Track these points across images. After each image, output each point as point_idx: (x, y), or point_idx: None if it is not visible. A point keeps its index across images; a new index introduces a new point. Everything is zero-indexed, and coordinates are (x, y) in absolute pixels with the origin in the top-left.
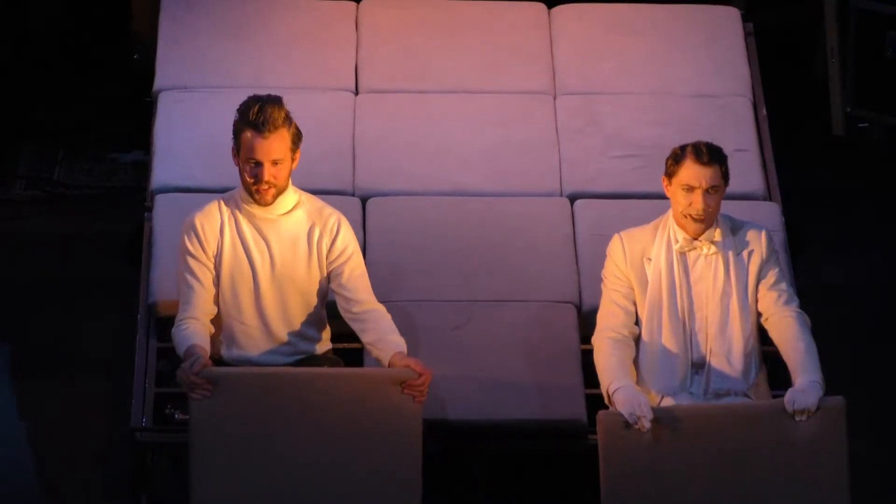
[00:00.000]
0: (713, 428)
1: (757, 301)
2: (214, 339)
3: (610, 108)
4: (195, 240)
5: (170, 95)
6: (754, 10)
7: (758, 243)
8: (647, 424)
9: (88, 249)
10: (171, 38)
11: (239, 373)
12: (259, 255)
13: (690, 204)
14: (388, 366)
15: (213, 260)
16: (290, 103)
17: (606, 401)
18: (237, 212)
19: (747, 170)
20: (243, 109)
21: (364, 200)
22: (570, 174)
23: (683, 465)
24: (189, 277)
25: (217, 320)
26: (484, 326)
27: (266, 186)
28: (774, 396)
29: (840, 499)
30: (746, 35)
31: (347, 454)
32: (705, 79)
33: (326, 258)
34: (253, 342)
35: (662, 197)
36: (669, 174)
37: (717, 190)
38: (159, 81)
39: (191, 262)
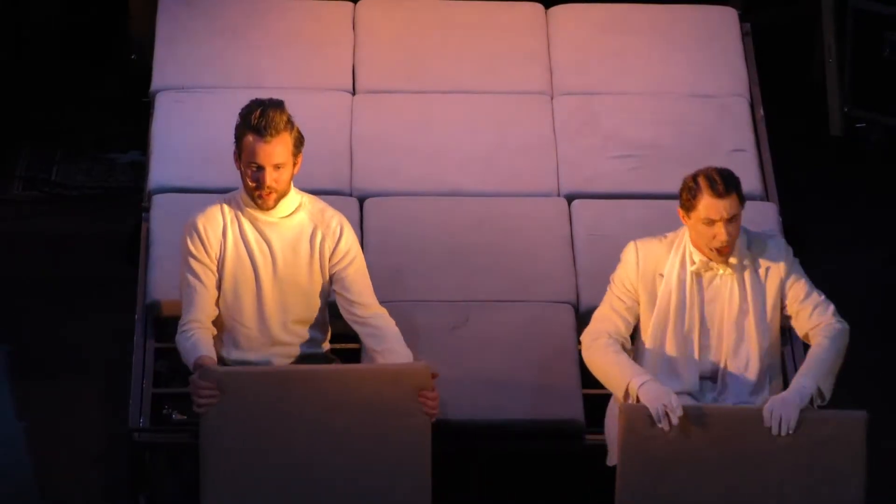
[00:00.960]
0: (734, 429)
1: (788, 317)
2: (215, 341)
3: (607, 109)
4: (197, 241)
5: (167, 96)
6: (752, 10)
7: (776, 258)
8: (675, 420)
9: (86, 250)
10: (168, 39)
11: (247, 372)
12: (261, 258)
13: (714, 237)
14: None
15: (215, 262)
16: (288, 103)
17: (621, 398)
18: (239, 214)
19: (745, 170)
20: (245, 113)
21: (361, 201)
22: (567, 174)
23: (702, 464)
24: (191, 279)
25: (218, 322)
26: (481, 327)
27: (268, 191)
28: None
29: None
30: (744, 35)
31: (357, 452)
32: (703, 79)
33: (329, 261)
34: (254, 344)
35: (660, 197)
36: (686, 208)
37: (737, 217)
38: (157, 82)
39: (193, 263)
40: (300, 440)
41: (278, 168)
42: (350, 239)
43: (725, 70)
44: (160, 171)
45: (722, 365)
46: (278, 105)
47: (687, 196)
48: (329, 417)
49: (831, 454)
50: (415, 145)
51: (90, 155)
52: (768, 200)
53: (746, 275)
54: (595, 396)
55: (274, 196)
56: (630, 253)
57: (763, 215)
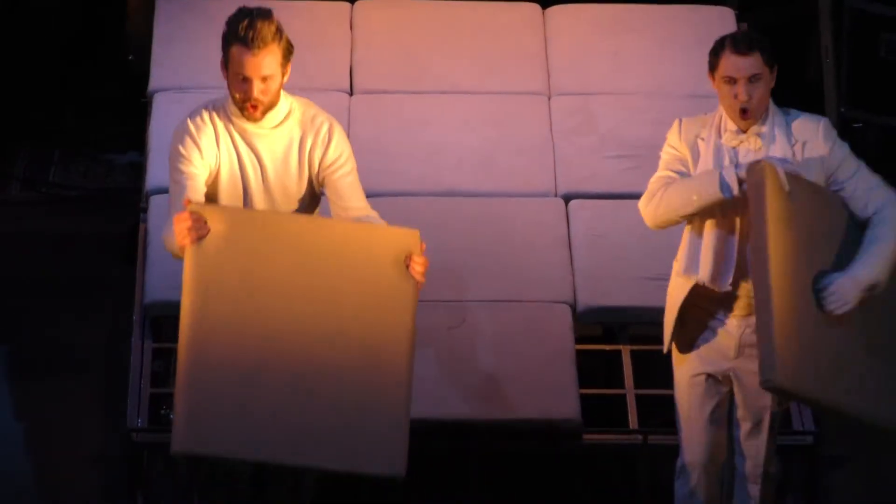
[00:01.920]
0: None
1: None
2: None
3: (604, 109)
4: (191, 146)
5: (165, 96)
6: (748, 9)
7: (815, 135)
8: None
9: (84, 250)
10: (166, 39)
11: (236, 209)
12: (252, 169)
13: (735, 96)
14: None
15: (208, 169)
16: None
17: (718, 192)
18: (228, 125)
19: None
20: (232, 21)
21: None
22: (564, 174)
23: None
24: (181, 178)
25: None
26: (479, 326)
27: (255, 103)
28: None
29: None
30: None
31: (340, 305)
32: (700, 79)
33: (319, 167)
34: None
35: None
36: (712, 68)
37: (760, 78)
38: (154, 82)
39: (184, 165)
40: (283, 283)
41: (266, 80)
42: (341, 144)
43: None
44: (158, 171)
45: (738, 244)
46: (266, 14)
47: (712, 55)
48: (314, 266)
49: None
50: (412, 146)
51: (88, 156)
52: None
53: (777, 146)
54: (592, 396)
55: (261, 108)
56: (673, 128)
57: None
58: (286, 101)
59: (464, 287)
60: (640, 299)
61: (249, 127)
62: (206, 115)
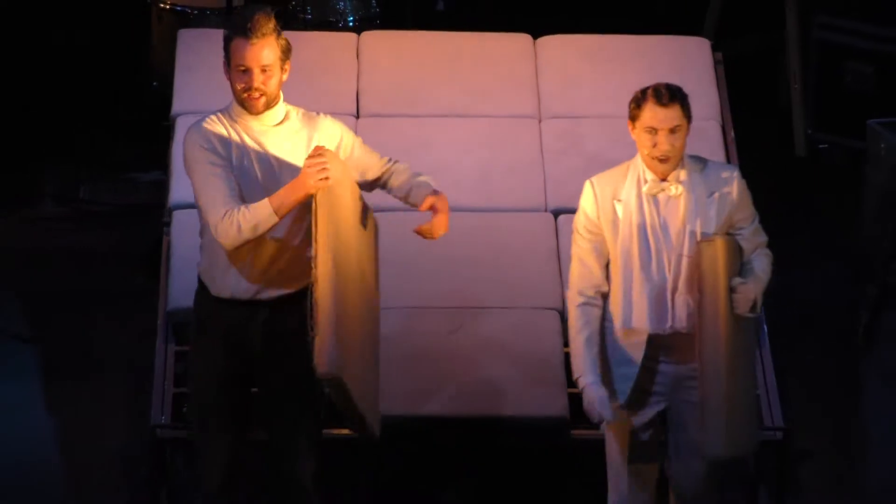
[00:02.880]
0: None
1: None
2: (211, 266)
3: (591, 131)
4: (209, 142)
5: (186, 119)
6: (723, 40)
7: (727, 185)
8: (604, 419)
9: (112, 261)
10: (187, 68)
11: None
12: (261, 164)
13: (655, 145)
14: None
15: (229, 160)
16: None
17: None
18: (235, 125)
19: None
20: (232, 20)
21: None
22: (553, 192)
23: None
24: (213, 168)
25: (213, 249)
26: (476, 331)
27: (256, 94)
28: None
29: None
30: (716, 63)
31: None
32: None
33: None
34: (257, 255)
35: None
36: (633, 118)
37: (680, 129)
38: (176, 107)
39: (211, 157)
40: (347, 237)
41: (265, 71)
42: (335, 127)
43: (699, 95)
44: (179, 188)
45: (672, 285)
46: (266, 10)
47: (633, 105)
48: (355, 234)
49: None
50: (414, 165)
51: (115, 175)
52: None
53: (695, 198)
54: (580, 395)
55: (263, 99)
56: (587, 194)
57: None
58: (285, 105)
59: (462, 295)
60: None
61: (255, 125)
62: (213, 119)
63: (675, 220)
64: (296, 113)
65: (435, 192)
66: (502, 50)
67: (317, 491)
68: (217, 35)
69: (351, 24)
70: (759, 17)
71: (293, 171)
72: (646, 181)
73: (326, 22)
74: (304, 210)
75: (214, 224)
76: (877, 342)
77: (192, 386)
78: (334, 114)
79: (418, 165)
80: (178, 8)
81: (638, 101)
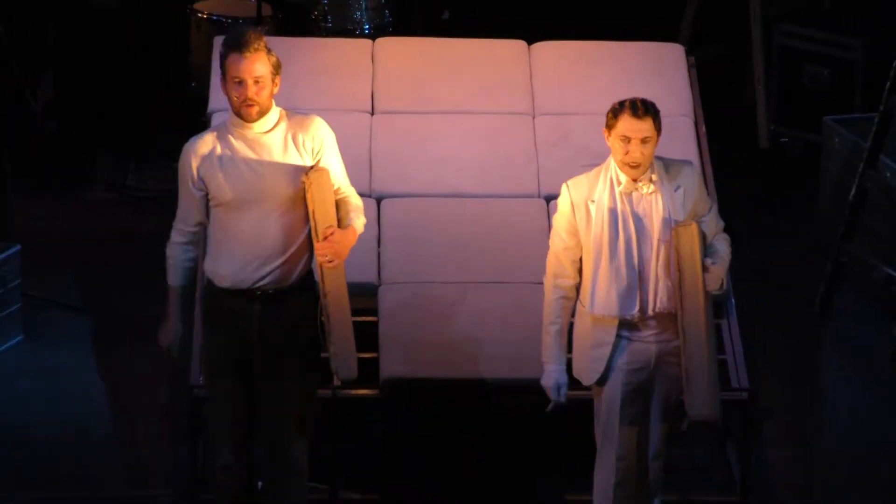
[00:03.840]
0: None
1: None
2: (213, 263)
3: (579, 126)
4: (189, 168)
5: (221, 115)
6: (695, 45)
7: (689, 181)
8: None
9: (156, 241)
10: None
11: None
12: (252, 169)
13: (627, 153)
14: None
15: (202, 183)
16: None
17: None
18: (229, 136)
19: None
20: (226, 39)
21: (379, 201)
22: (546, 180)
23: None
24: (182, 199)
25: (216, 245)
26: (476, 303)
27: (250, 103)
28: None
29: None
30: (689, 66)
31: None
32: (655, 102)
33: (313, 154)
34: (250, 249)
35: None
36: (609, 126)
37: (651, 140)
38: (212, 104)
39: (185, 187)
40: None
41: (258, 82)
42: (323, 130)
43: (674, 95)
44: None
45: (651, 272)
46: (256, 29)
47: (611, 115)
48: None
49: None
50: (422, 156)
51: (158, 164)
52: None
53: (666, 192)
54: (568, 360)
55: (256, 109)
56: (563, 197)
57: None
58: (276, 111)
59: (465, 271)
60: None
61: (248, 133)
62: (206, 137)
63: (652, 213)
64: (288, 117)
65: (345, 228)
66: (500, 54)
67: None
68: None
69: (367, 31)
70: (728, 26)
71: (277, 170)
72: (620, 182)
73: (345, 30)
74: (303, 215)
75: (169, 240)
76: (832, 312)
77: (203, 365)
78: (352, 110)
79: (426, 156)
80: (214, 17)
81: (615, 112)
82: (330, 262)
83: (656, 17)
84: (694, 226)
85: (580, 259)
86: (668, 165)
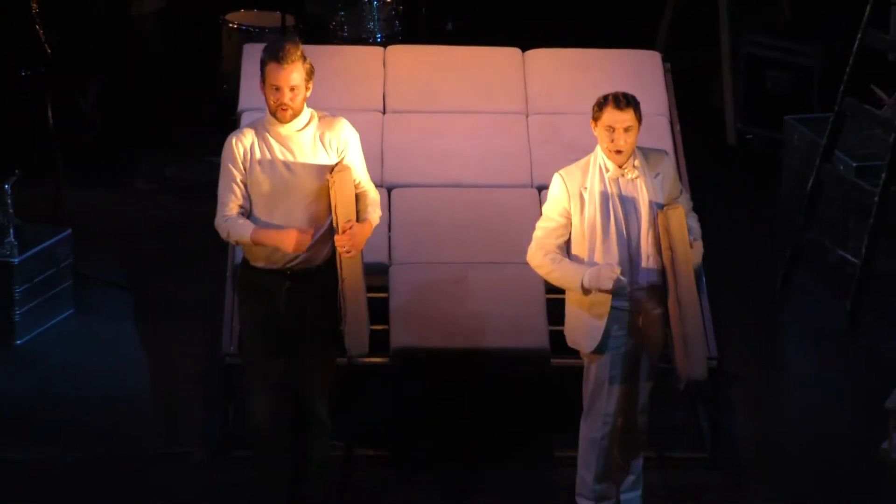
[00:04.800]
0: None
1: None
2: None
3: (567, 125)
4: (234, 157)
5: (249, 114)
6: (671, 53)
7: (666, 167)
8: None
9: (192, 227)
10: (251, 74)
11: None
12: (286, 162)
13: (612, 141)
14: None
15: (244, 169)
16: None
17: (577, 288)
18: (266, 134)
19: None
20: (268, 48)
21: (390, 190)
22: (538, 172)
23: None
24: (227, 184)
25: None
26: (476, 281)
27: (285, 107)
28: None
29: None
30: (665, 71)
31: None
32: None
33: (338, 153)
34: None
35: None
36: (595, 118)
37: (633, 129)
38: (242, 104)
39: (231, 173)
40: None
41: (293, 89)
42: (347, 131)
43: (651, 96)
44: None
45: (642, 249)
46: (294, 40)
47: (596, 108)
48: None
49: None
50: (428, 150)
51: (194, 158)
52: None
53: (648, 178)
54: (557, 332)
55: (290, 112)
56: (558, 185)
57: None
58: (308, 111)
59: (465, 253)
60: None
61: (282, 131)
62: (246, 131)
63: (638, 196)
64: (318, 117)
65: (362, 222)
66: (497, 60)
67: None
68: None
69: (379, 40)
70: (699, 35)
71: (306, 166)
72: (608, 169)
73: (360, 38)
74: (328, 207)
75: (216, 220)
76: (791, 290)
77: (241, 338)
78: (365, 110)
79: (432, 151)
80: (244, 27)
81: (600, 105)
82: (348, 252)
83: (636, 28)
84: (680, 208)
85: (566, 243)
86: (647, 154)
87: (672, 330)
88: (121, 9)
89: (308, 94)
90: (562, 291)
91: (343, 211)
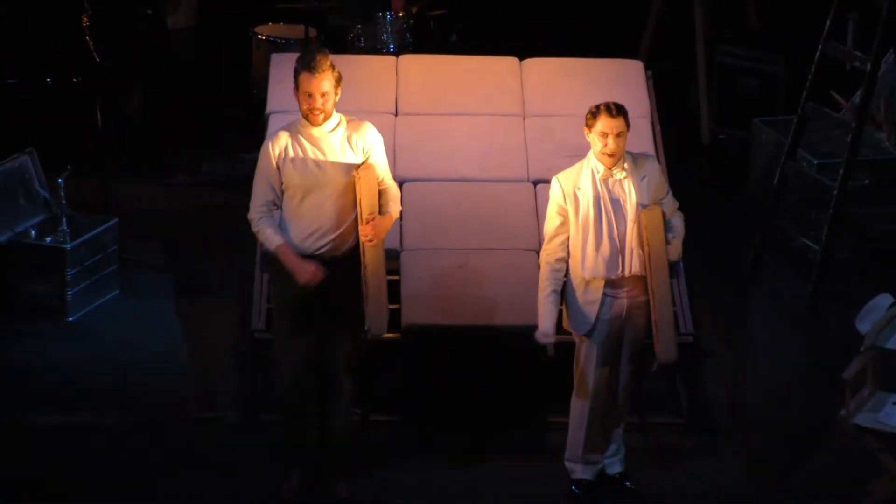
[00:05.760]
0: None
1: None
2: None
3: (560, 126)
4: (269, 158)
5: (277, 117)
6: (652, 61)
7: (652, 171)
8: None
9: (226, 216)
10: (277, 80)
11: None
12: (317, 161)
13: (605, 145)
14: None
15: (277, 168)
16: None
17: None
18: (299, 135)
19: None
20: (301, 58)
21: (402, 184)
22: (533, 168)
23: None
24: (261, 183)
25: (288, 221)
26: (478, 265)
27: (317, 112)
28: None
29: None
30: (647, 78)
31: None
32: None
33: (363, 153)
34: (312, 224)
35: None
36: (589, 125)
37: (623, 134)
38: (270, 107)
39: (266, 172)
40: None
41: (324, 95)
42: (372, 134)
43: (635, 100)
44: None
45: (628, 242)
46: (324, 51)
47: (590, 116)
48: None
49: None
50: (436, 149)
51: (227, 154)
52: None
53: (635, 181)
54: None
55: (322, 116)
56: (555, 188)
57: None
58: (337, 116)
59: (469, 240)
60: None
61: (314, 132)
62: (281, 133)
63: (625, 197)
64: (346, 121)
65: (384, 214)
66: (497, 68)
67: (355, 388)
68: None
69: (392, 50)
70: (677, 46)
71: (334, 164)
72: (599, 171)
73: (375, 49)
74: (353, 201)
75: (250, 212)
76: (760, 273)
77: (271, 315)
78: (379, 113)
79: (438, 150)
80: (271, 39)
81: (594, 113)
82: (370, 241)
83: (620, 39)
84: (658, 209)
85: (567, 239)
86: (635, 159)
87: (651, 316)
88: (159, 23)
89: (337, 98)
90: (565, 275)
91: (367, 204)
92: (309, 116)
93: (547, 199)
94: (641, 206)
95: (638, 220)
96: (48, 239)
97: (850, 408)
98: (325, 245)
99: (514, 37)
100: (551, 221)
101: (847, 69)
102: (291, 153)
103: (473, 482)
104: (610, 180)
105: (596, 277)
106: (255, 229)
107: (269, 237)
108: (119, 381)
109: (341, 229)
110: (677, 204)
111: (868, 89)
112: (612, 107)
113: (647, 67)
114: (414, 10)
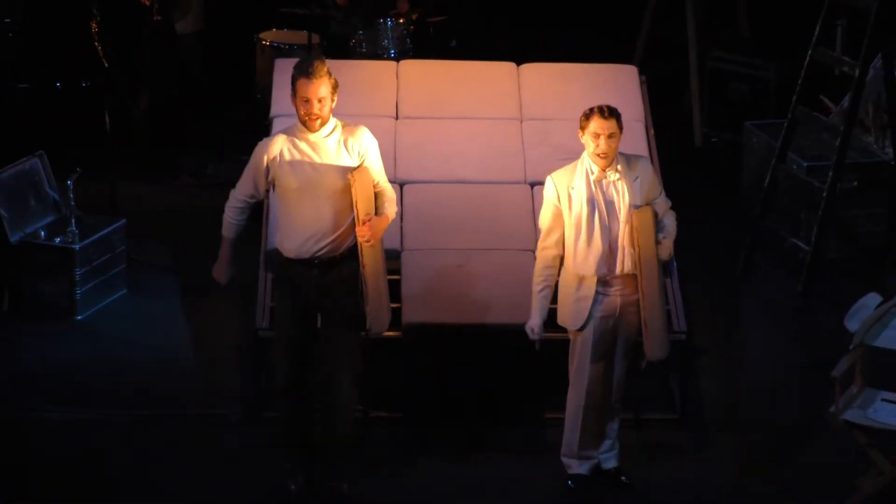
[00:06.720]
0: None
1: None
2: (282, 238)
3: (556, 129)
4: (260, 159)
5: (280, 120)
6: (646, 66)
7: (644, 172)
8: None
9: None
10: (281, 85)
11: None
12: (313, 165)
13: (597, 146)
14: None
15: (265, 170)
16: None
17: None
18: (295, 139)
19: None
20: (298, 65)
21: (402, 186)
22: (531, 170)
23: None
24: (247, 177)
25: (285, 224)
26: (477, 265)
27: (314, 117)
28: None
29: None
30: (641, 83)
31: None
32: None
33: (359, 156)
34: (310, 227)
35: None
36: (582, 127)
37: (615, 136)
38: (273, 111)
39: (254, 171)
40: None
41: (321, 101)
42: (367, 138)
43: (629, 104)
44: None
45: (620, 242)
46: (320, 58)
47: (584, 118)
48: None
49: None
50: (435, 151)
51: (231, 157)
52: None
53: (628, 181)
54: (552, 309)
55: (319, 121)
56: (549, 187)
57: None
58: (333, 120)
59: (468, 240)
60: None
61: (311, 137)
62: (278, 138)
63: (618, 197)
64: (342, 125)
65: (380, 215)
66: (495, 73)
67: (356, 387)
68: None
69: (392, 55)
70: (670, 52)
71: (331, 167)
72: (593, 172)
73: (376, 54)
74: (350, 203)
75: (229, 201)
76: (750, 273)
77: (272, 316)
78: (381, 116)
79: (438, 152)
80: (275, 44)
81: (587, 115)
82: (367, 241)
83: (615, 45)
84: (649, 209)
85: (562, 236)
86: (628, 160)
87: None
88: (167, 28)
89: (333, 104)
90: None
91: (363, 205)
92: (306, 122)
93: (542, 198)
94: (634, 207)
95: (630, 220)
96: (57, 239)
97: (839, 404)
98: (324, 248)
99: (511, 42)
100: (545, 219)
101: (836, 74)
102: (288, 157)
103: (472, 477)
104: (604, 182)
105: (589, 275)
106: (225, 214)
107: (226, 226)
108: (126, 378)
109: (339, 232)
110: (670, 203)
111: (856, 94)
112: (605, 109)
113: (641, 72)
114: (414, 16)
